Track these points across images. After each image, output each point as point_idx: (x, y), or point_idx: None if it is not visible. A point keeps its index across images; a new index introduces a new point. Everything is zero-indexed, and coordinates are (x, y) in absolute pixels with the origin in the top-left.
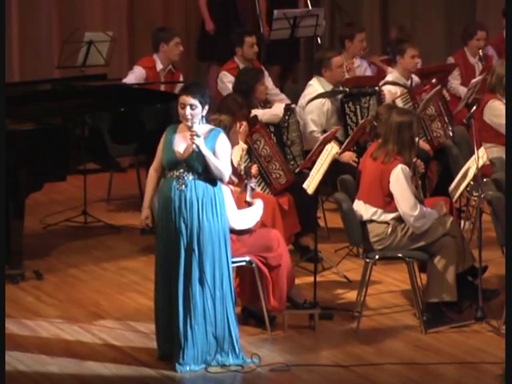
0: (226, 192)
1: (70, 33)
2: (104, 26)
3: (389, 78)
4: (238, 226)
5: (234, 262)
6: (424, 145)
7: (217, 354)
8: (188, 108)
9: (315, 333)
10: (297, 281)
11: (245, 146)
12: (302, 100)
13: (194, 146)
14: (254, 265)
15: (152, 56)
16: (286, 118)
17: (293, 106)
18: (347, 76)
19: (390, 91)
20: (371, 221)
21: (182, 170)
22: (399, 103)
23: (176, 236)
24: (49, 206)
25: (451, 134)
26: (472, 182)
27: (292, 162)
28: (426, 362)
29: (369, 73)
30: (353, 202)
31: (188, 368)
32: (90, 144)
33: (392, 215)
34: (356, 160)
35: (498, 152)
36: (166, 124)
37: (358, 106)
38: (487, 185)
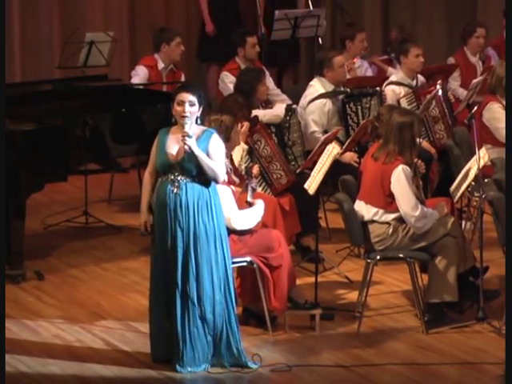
0: (226, 192)
1: (71, 33)
2: (105, 26)
3: (393, 78)
4: (239, 226)
5: (234, 263)
6: (430, 148)
7: (217, 355)
8: (187, 105)
9: (316, 333)
10: (298, 281)
11: (245, 147)
12: (303, 100)
13: (186, 147)
14: (255, 265)
15: (153, 55)
16: (287, 118)
17: (294, 106)
18: (348, 76)
19: (393, 91)
20: (372, 221)
21: (176, 173)
22: (404, 103)
23: (172, 239)
24: (50, 207)
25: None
26: (473, 183)
27: (293, 163)
28: (427, 362)
29: (369, 73)
30: (354, 202)
31: (189, 369)
32: (91, 144)
33: (393, 216)
34: (357, 160)
35: (499, 152)
36: (167, 124)
37: (359, 107)
38: (488, 185)
